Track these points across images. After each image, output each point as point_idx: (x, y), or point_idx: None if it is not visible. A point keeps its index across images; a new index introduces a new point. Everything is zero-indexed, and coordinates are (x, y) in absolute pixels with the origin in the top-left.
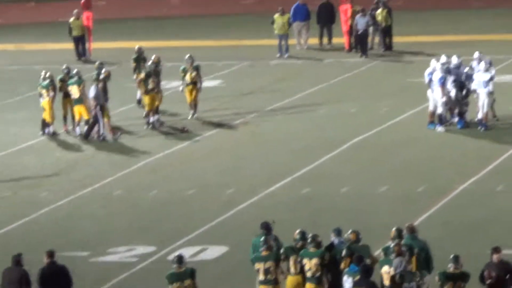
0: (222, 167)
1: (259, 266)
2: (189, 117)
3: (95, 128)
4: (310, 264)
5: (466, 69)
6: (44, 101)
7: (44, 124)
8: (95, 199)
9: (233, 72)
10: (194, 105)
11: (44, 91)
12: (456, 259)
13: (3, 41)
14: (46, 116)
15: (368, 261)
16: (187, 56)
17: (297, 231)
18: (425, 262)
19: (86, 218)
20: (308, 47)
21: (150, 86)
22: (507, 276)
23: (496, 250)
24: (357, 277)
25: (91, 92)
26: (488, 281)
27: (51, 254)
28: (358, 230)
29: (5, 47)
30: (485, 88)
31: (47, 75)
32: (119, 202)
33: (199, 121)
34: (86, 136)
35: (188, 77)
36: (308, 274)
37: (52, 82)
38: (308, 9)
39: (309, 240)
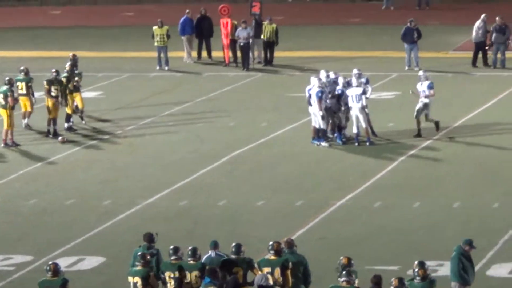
0: (100, 178)
1: (130, 279)
2: (84, 122)
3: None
4: (190, 277)
5: (344, 85)
6: None
7: None
8: None
9: (113, 84)
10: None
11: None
12: (348, 274)
13: None
14: None
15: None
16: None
17: (172, 247)
18: (303, 277)
19: None
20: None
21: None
22: None
23: None
24: None
25: None
26: None
27: None
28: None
29: None
30: (357, 103)
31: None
32: None
33: (78, 132)
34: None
35: (71, 85)
36: (188, 287)
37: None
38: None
39: (189, 253)
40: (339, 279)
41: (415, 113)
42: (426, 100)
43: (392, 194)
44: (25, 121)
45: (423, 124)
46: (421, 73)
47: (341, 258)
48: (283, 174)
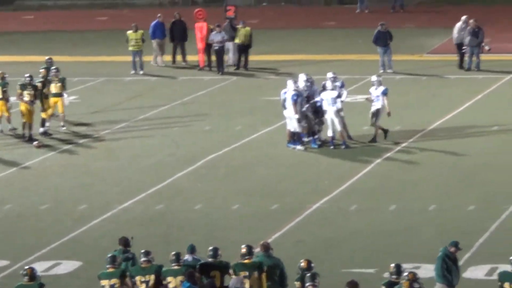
0: (76, 182)
1: (105, 283)
2: (64, 128)
3: None
4: (175, 282)
5: (320, 89)
6: None
7: None
8: None
9: (88, 88)
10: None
11: None
12: (313, 277)
13: None
14: None
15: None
16: (53, 67)
17: (142, 251)
18: (280, 280)
19: None
20: (165, 65)
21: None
22: None
23: None
24: None
25: None
26: None
27: None
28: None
29: None
30: (333, 106)
31: None
32: None
33: (53, 137)
34: None
35: (53, 88)
36: None
37: None
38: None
39: (172, 258)
40: (295, 282)
41: (370, 120)
42: (379, 106)
43: (368, 197)
44: (9, 125)
45: (398, 127)
46: (374, 77)
47: (301, 261)
48: (258, 178)
